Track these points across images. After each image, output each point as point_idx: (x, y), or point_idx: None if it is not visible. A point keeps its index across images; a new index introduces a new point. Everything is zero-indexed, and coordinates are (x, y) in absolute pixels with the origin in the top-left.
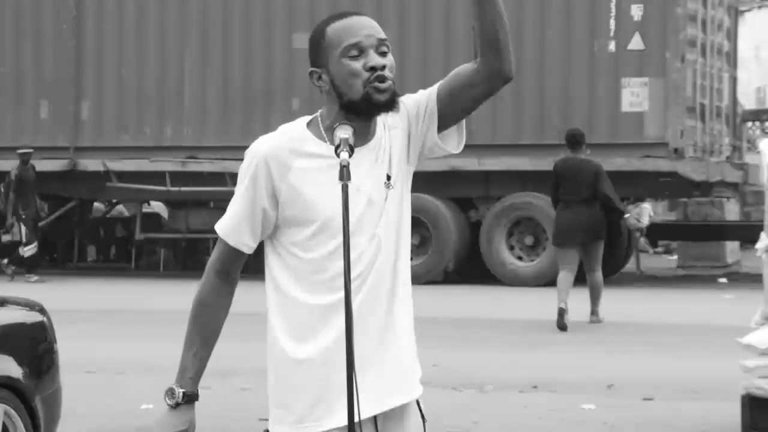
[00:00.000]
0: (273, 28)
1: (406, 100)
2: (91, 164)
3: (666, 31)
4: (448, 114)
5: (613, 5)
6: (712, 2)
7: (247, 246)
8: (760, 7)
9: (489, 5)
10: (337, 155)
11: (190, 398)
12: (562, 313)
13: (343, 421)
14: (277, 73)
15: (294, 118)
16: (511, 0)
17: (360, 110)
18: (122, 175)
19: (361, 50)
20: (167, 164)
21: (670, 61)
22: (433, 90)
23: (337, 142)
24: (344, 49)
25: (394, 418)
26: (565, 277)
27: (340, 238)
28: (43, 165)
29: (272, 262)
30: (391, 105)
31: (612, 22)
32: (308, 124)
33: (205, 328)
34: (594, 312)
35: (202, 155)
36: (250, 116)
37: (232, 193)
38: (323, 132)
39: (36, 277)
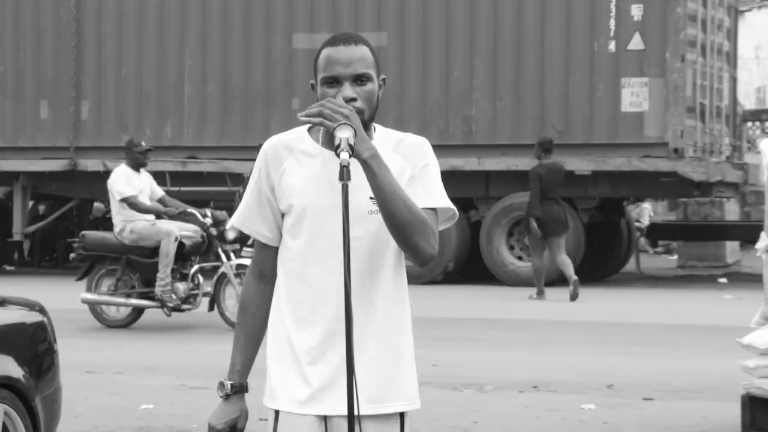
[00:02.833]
0: (273, 28)
1: (418, 158)
2: (91, 164)
3: (666, 31)
4: None
5: (613, 5)
6: (712, 2)
7: (263, 235)
8: (760, 7)
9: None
10: (338, 155)
11: (240, 389)
12: (542, 293)
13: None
14: (277, 73)
15: (294, 117)
16: (511, 0)
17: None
18: None
19: (337, 81)
20: (167, 164)
21: (670, 61)
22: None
23: (337, 141)
24: (324, 78)
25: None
26: (543, 264)
27: (308, 233)
28: (43, 165)
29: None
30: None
31: (612, 22)
32: (311, 128)
33: (247, 327)
34: (571, 276)
35: (202, 155)
36: (250, 116)
37: (232, 193)
38: (320, 136)
39: None
